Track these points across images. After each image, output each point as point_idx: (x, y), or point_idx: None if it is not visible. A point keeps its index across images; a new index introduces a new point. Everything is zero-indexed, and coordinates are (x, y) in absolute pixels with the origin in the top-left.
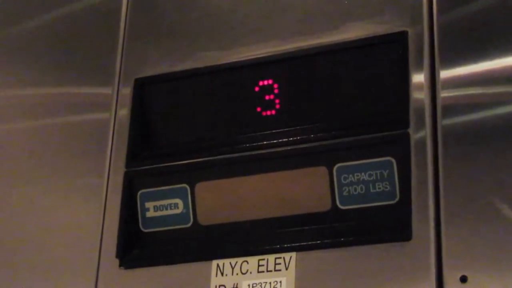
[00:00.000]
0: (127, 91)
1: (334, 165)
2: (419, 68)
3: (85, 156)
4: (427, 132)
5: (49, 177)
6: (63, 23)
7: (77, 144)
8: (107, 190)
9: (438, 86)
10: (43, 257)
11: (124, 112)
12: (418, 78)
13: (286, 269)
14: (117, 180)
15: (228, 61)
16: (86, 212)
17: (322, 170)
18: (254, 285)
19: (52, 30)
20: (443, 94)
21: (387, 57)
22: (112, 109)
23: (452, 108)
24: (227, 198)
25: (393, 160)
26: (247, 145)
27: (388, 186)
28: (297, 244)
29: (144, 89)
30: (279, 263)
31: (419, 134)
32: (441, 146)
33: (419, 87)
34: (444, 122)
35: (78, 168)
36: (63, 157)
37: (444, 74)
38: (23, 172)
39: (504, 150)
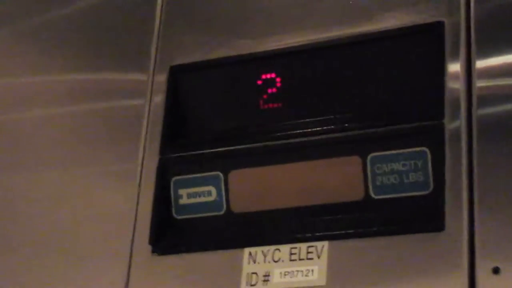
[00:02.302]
0: (162, 78)
1: (368, 154)
2: (455, 58)
3: (119, 142)
4: (461, 122)
5: (83, 163)
6: (101, 10)
7: (112, 130)
8: (141, 177)
9: (474, 75)
10: (76, 243)
11: (159, 99)
12: (454, 67)
13: (318, 257)
14: (151, 167)
15: (263, 49)
16: (120, 198)
17: (356, 159)
18: (286, 273)
19: (89, 16)
20: (479, 84)
21: (423, 47)
22: (147, 95)
23: (488, 98)
24: (260, 186)
25: (427, 151)
26: (281, 133)
27: (421, 177)
28: (330, 233)
29: (179, 77)
30: (311, 252)
31: (453, 124)
32: (476, 137)
33: (455, 77)
34: (479, 112)
35: (113, 154)
36: (98, 143)
37: (480, 64)
38: (58, 157)
39: None
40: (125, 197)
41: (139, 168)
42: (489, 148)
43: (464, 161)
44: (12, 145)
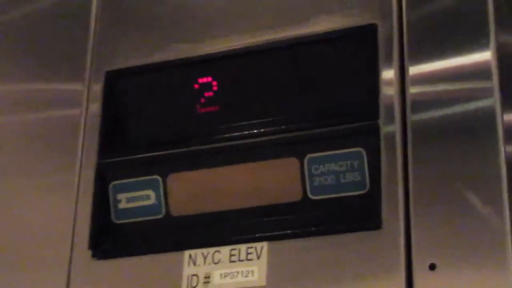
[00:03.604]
0: (98, 87)
1: (305, 156)
2: (389, 62)
3: (56, 152)
4: (396, 126)
5: (21, 173)
6: (33, 19)
7: (48, 141)
8: (79, 183)
9: (407, 81)
10: (15, 251)
11: (95, 108)
12: (388, 73)
13: (258, 258)
14: (89, 174)
15: (199, 53)
16: (58, 205)
17: (293, 161)
18: (226, 274)
19: (21, 26)
20: (412, 89)
21: (357, 50)
22: (83, 104)
23: (421, 103)
24: (199, 189)
25: (363, 151)
26: (218, 136)
27: (358, 176)
28: (269, 234)
29: (115, 82)
30: (251, 253)
31: (389, 128)
32: (410, 139)
33: (389, 82)
34: (413, 117)
35: (50, 164)
36: (34, 153)
37: (413, 70)
38: None
39: (471, 143)
40: (64, 204)
41: (77, 175)
42: (423, 150)
43: (399, 161)
44: None
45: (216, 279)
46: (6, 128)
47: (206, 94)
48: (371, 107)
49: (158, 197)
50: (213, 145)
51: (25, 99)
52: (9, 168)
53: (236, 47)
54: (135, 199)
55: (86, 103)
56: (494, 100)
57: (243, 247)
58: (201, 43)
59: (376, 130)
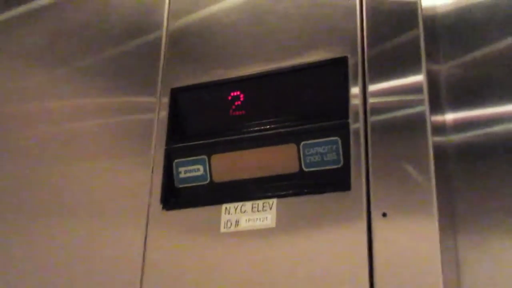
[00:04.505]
0: (166, 99)
1: (300, 142)
2: (355, 82)
3: (139, 142)
4: (360, 124)
5: (117, 156)
6: (125, 55)
7: (132, 135)
8: (154, 161)
9: (368, 94)
10: (109, 207)
11: (164, 113)
12: (355, 89)
13: (270, 209)
14: (160, 155)
15: (231, 76)
16: (140, 175)
17: (293, 146)
18: (249, 220)
19: (114, 60)
20: (371, 100)
21: (334, 73)
22: (156, 111)
23: (377, 109)
24: (232, 164)
25: (339, 140)
26: (244, 130)
27: (335, 156)
28: (277, 193)
29: (177, 95)
30: (266, 205)
31: (355, 125)
32: (370, 133)
33: (355, 95)
34: (371, 118)
35: (134, 150)
36: (124, 143)
37: (371, 87)
38: (96, 154)
39: (410, 135)
40: (144, 175)
41: (152, 156)
42: (378, 139)
43: (362, 146)
44: (66, 146)
45: (243, 223)
46: (104, 128)
47: (236, 103)
48: (344, 111)
49: (205, 170)
50: (241, 136)
51: (116, 107)
52: (109, 153)
53: (255, 72)
54: (190, 171)
55: (158, 110)
56: (425, 107)
57: (260, 202)
58: (232, 69)
59: (347, 126)
